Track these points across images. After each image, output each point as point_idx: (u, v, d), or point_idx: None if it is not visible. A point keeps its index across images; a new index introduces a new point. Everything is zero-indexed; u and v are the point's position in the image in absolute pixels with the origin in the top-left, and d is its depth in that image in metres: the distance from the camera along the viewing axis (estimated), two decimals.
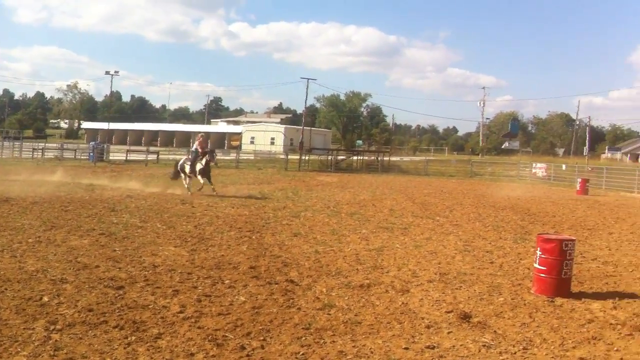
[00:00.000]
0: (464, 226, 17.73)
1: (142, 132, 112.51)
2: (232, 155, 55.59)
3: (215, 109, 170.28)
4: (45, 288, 8.66)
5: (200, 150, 23.60)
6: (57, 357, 6.12)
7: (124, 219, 15.71)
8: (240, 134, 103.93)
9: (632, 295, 9.86)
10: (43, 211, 16.46)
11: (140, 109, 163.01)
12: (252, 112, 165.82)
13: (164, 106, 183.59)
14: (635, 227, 19.20)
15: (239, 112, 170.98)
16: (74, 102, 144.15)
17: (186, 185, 23.47)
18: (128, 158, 49.81)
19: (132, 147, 65.66)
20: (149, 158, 48.89)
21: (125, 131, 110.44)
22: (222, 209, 18.90)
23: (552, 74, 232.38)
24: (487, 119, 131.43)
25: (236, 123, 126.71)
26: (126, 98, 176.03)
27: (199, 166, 23.18)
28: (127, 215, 16.55)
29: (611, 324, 8.26)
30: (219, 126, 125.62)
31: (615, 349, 7.22)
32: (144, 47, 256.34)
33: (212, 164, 23.44)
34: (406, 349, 6.91)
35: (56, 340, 6.58)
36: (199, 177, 23.14)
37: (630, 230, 18.54)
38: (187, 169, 23.47)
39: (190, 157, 24.02)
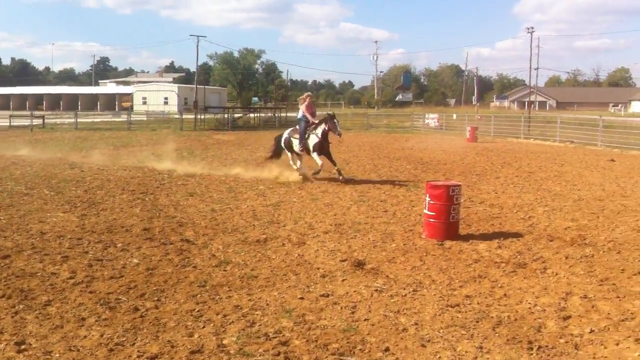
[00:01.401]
0: (360, 177, 18.07)
1: (25, 96, 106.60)
2: (124, 117, 53.77)
3: (103, 70, 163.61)
4: None
5: (308, 116, 17.16)
6: None
7: (8, 187, 14.97)
8: (131, 94, 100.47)
9: (516, 235, 10.42)
10: None
11: (22, 72, 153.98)
12: (142, 71, 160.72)
13: (47, 68, 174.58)
14: (520, 171, 20.20)
15: (129, 72, 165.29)
16: None
17: (296, 167, 17.60)
18: (12, 124, 47.18)
19: (15, 112, 62.17)
20: (34, 123, 46.55)
21: (8, 96, 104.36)
22: (113, 172, 18.35)
23: (441, 26, 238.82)
24: (381, 72, 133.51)
25: (126, 83, 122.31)
26: (6, 61, 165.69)
27: (312, 140, 16.92)
28: (12, 182, 15.78)
29: (496, 262, 8.70)
30: (108, 87, 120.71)
31: (500, 285, 7.63)
32: (20, 6, 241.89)
33: (333, 135, 16.81)
34: (301, 298, 7.02)
35: None
36: (314, 155, 16.96)
37: (516, 174, 19.49)
38: (296, 145, 17.38)
39: (298, 127, 17.44)
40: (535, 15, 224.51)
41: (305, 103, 17.44)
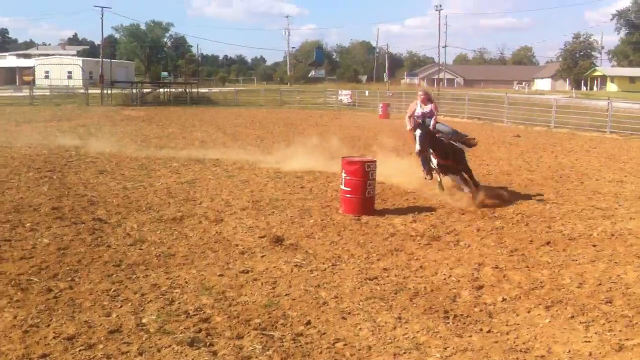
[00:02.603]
0: (275, 154, 18.01)
1: None
2: (25, 92, 51.36)
3: (2, 42, 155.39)
4: None
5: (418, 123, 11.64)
6: None
7: None
8: (32, 68, 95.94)
9: (429, 209, 10.69)
10: None
11: None
12: (44, 44, 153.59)
13: None
14: None
15: (30, 44, 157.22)
16: None
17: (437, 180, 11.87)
18: None
19: None
20: None
21: None
22: (17, 150, 17.54)
23: (351, 2, 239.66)
24: (293, 48, 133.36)
25: (27, 56, 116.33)
26: None
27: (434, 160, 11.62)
28: None
29: (411, 236, 8.92)
30: (8, 60, 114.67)
31: (415, 258, 7.83)
32: None
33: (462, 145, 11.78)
34: (221, 275, 6.97)
35: None
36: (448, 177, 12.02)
37: None
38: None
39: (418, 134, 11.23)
40: None
41: (417, 105, 12.15)
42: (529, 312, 5.99)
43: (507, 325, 5.68)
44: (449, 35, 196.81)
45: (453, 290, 6.59)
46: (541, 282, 6.88)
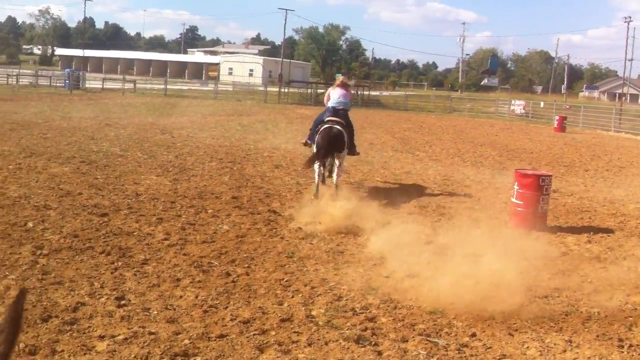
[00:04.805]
0: (443, 161, 17.93)
1: (117, 60, 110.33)
2: (211, 86, 54.94)
3: (191, 39, 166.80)
4: (30, 214, 8.69)
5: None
6: (45, 280, 6.19)
7: (104, 148, 15.64)
8: (218, 64, 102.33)
9: (606, 230, 10.14)
10: (22, 138, 16.32)
11: (115, 37, 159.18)
12: (229, 42, 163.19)
13: (138, 34, 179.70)
14: (611, 165, 19.55)
15: (216, 42, 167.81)
16: (46, 28, 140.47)
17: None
18: (104, 86, 48.99)
19: (108, 76, 64.48)
20: (125, 87, 48.17)
21: (101, 59, 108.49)
22: (202, 140, 18.84)
23: (531, 11, 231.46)
24: (467, 55, 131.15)
25: (213, 53, 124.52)
26: (100, 25, 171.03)
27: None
28: (107, 143, 16.47)
29: (585, 257, 8.51)
30: (196, 56, 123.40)
31: (589, 280, 7.47)
32: None
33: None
34: (387, 277, 7.08)
35: (43, 265, 6.64)
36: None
37: (606, 167, 18.88)
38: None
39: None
40: (631, 4, 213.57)
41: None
42: None
43: None
44: (636, 48, 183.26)
45: (629, 319, 6.22)
46: None
